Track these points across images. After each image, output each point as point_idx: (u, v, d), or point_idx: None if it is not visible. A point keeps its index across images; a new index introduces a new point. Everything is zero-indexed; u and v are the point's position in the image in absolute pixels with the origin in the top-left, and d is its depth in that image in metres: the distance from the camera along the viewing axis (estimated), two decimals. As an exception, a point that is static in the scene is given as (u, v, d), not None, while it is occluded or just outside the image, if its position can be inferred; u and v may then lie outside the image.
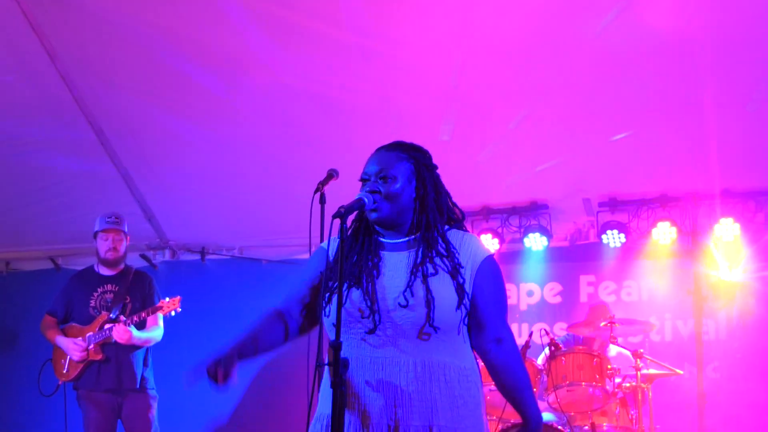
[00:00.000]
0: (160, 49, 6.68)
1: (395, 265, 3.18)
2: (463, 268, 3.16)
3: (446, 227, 3.28)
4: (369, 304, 3.08)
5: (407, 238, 3.23)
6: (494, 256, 3.31)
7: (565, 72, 6.64)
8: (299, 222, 3.32)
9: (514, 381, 3.18)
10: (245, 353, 3.21)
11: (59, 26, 6.51)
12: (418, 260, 3.14)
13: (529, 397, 3.18)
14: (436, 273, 3.12)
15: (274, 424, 8.11)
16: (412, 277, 3.10)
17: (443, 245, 3.19)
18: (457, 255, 3.18)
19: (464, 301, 3.11)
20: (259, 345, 3.27)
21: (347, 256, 3.18)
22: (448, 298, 3.10)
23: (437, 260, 3.15)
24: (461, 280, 3.13)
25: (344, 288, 3.07)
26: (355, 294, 3.10)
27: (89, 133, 7.38)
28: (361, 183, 3.24)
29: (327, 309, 3.18)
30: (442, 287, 3.10)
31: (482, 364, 3.27)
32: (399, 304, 3.08)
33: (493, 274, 3.24)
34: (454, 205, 3.34)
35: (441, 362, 3.11)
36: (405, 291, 3.08)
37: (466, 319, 3.16)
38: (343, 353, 2.96)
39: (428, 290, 3.07)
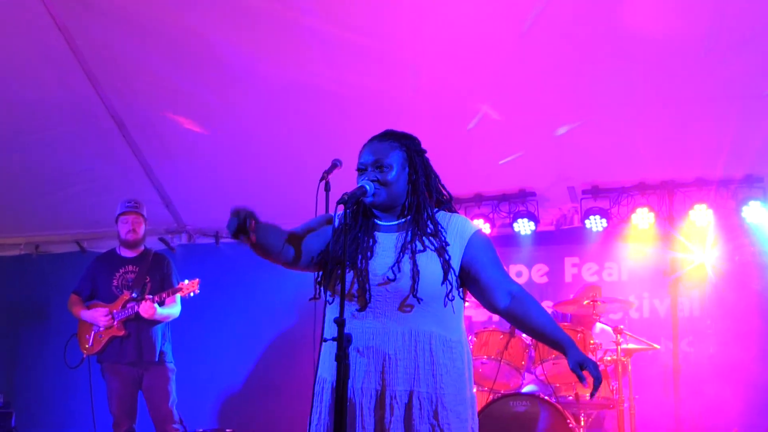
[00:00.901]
0: (177, 53, 6.69)
1: (387, 245, 3.23)
2: (449, 245, 3.20)
3: (435, 209, 3.31)
4: (361, 283, 3.13)
5: (399, 221, 3.28)
6: (484, 234, 3.36)
7: (551, 71, 6.65)
8: (306, 207, 3.31)
9: (538, 323, 3.23)
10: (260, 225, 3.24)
11: (85, 28, 6.53)
12: (408, 239, 3.19)
13: (557, 330, 3.23)
14: (424, 250, 3.17)
15: (282, 393, 8.11)
16: (401, 254, 3.16)
17: (431, 226, 3.23)
18: (444, 234, 3.22)
19: (449, 277, 3.15)
20: (269, 233, 3.29)
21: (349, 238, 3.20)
22: (433, 273, 3.14)
23: (425, 239, 3.19)
24: (447, 257, 3.18)
25: (337, 267, 3.14)
26: (349, 275, 3.13)
27: (112, 127, 7.41)
28: (357, 171, 3.28)
29: (329, 290, 3.23)
30: (429, 263, 3.15)
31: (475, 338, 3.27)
32: (387, 277, 3.13)
33: (484, 244, 3.30)
34: (443, 186, 3.40)
35: (427, 332, 3.15)
36: (393, 266, 3.14)
37: (453, 293, 3.17)
38: (332, 329, 3.01)
39: (415, 264, 3.12)
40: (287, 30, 6.44)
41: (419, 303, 3.11)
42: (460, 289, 3.28)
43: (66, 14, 6.41)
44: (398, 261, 3.14)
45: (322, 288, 3.27)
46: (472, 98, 6.98)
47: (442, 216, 3.31)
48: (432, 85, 6.81)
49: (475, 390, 6.86)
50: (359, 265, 3.16)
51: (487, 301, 3.27)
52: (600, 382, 3.13)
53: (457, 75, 6.77)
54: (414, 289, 3.10)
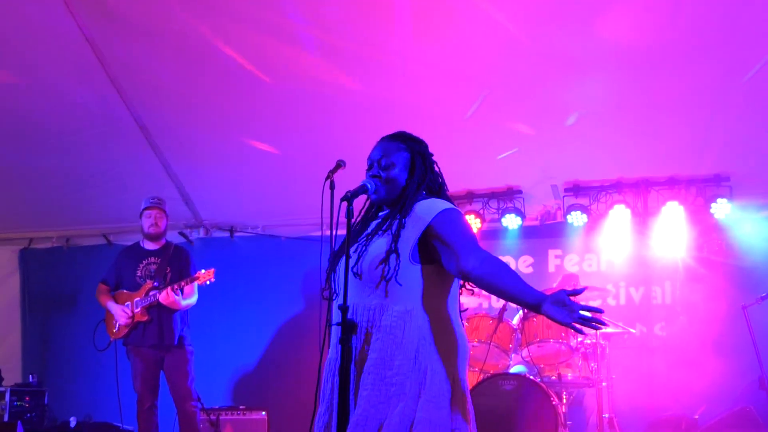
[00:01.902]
0: (195, 64, 6.70)
1: (373, 227, 3.27)
2: (405, 229, 3.16)
3: (423, 196, 3.29)
4: (345, 272, 3.09)
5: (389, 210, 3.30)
6: (454, 210, 3.24)
7: (535, 81, 6.64)
8: (313, 204, 3.31)
9: (503, 283, 3.00)
10: None
11: (111, 41, 6.52)
12: (379, 227, 3.22)
13: (524, 287, 2.96)
14: (382, 235, 3.17)
15: (290, 373, 8.12)
16: (365, 238, 3.21)
17: (400, 213, 3.20)
18: (407, 219, 3.18)
19: (390, 259, 3.09)
20: None
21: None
22: (375, 254, 3.13)
23: (389, 222, 3.19)
24: (396, 244, 3.12)
25: (340, 262, 3.19)
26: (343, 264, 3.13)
27: (136, 131, 7.41)
28: (367, 166, 3.32)
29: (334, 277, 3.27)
30: (377, 245, 3.15)
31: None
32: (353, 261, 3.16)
33: (450, 218, 3.18)
34: (444, 184, 3.38)
35: (399, 310, 3.11)
36: (353, 249, 3.19)
37: (391, 274, 3.09)
38: (335, 314, 3.08)
39: (366, 246, 3.16)
40: (291, 44, 6.43)
41: (360, 279, 3.12)
42: (418, 267, 3.17)
43: (94, 29, 6.39)
44: (359, 244, 3.20)
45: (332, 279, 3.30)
46: (465, 107, 6.98)
47: (424, 202, 3.25)
48: (428, 95, 6.81)
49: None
50: (348, 254, 3.15)
51: (457, 268, 3.10)
52: (576, 316, 2.87)
53: (451, 87, 6.77)
54: (356, 267, 3.13)
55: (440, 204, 3.22)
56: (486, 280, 3.03)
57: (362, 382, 3.06)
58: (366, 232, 3.28)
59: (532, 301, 2.92)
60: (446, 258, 3.16)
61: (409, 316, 3.11)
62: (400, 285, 3.11)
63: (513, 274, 3.03)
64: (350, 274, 3.08)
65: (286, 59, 6.58)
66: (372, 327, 3.12)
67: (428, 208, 3.21)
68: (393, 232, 3.14)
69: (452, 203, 3.30)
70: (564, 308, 2.86)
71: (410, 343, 3.08)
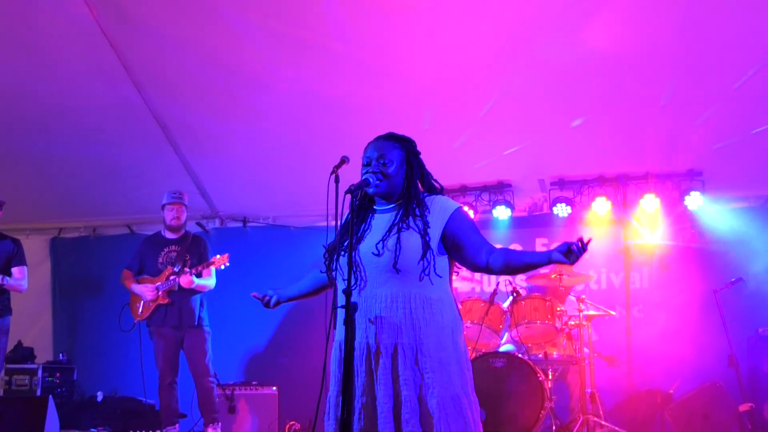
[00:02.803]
0: (212, 65, 6.70)
1: (379, 225, 3.27)
2: (430, 228, 3.21)
3: (426, 194, 3.34)
4: (349, 259, 3.12)
5: (394, 204, 3.31)
6: (462, 209, 3.35)
7: (523, 86, 6.64)
8: (319, 197, 3.32)
9: (517, 260, 3.17)
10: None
11: (131, 43, 6.52)
12: (397, 220, 3.22)
13: (533, 255, 3.17)
14: (408, 229, 3.19)
15: (297, 352, 8.13)
16: (387, 233, 3.19)
17: (419, 210, 3.25)
18: (428, 216, 3.23)
19: (427, 255, 3.16)
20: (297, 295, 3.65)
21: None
22: (412, 249, 3.16)
23: (410, 220, 3.21)
24: (428, 239, 3.18)
25: (343, 250, 3.21)
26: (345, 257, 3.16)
27: (156, 129, 7.41)
28: (362, 165, 3.34)
29: (337, 265, 3.28)
30: (410, 240, 3.17)
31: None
32: (373, 253, 3.17)
33: (464, 217, 3.31)
34: (435, 180, 3.42)
35: (407, 293, 3.16)
36: (378, 243, 3.18)
37: (429, 269, 3.17)
38: (340, 298, 3.09)
39: (398, 241, 3.16)
40: (307, 49, 6.43)
41: (398, 273, 3.15)
42: (444, 258, 3.28)
43: (116, 32, 6.41)
44: (384, 239, 3.19)
45: (335, 267, 3.31)
46: (460, 110, 6.98)
47: (429, 199, 3.32)
48: (426, 98, 6.79)
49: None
50: (355, 245, 3.20)
51: (471, 263, 3.26)
52: (579, 250, 2.97)
53: (446, 90, 6.76)
54: (395, 262, 3.14)
55: (451, 203, 3.33)
56: (505, 268, 3.18)
57: (422, 364, 3.12)
58: (368, 224, 3.29)
59: (544, 259, 3.08)
60: (456, 252, 3.28)
61: (441, 303, 3.23)
62: (440, 276, 3.22)
63: (519, 252, 3.23)
64: (388, 267, 3.16)
65: (299, 65, 6.60)
66: (399, 314, 3.16)
67: (443, 206, 3.30)
68: (421, 229, 3.21)
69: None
70: (565, 250, 2.98)
71: (447, 326, 3.22)
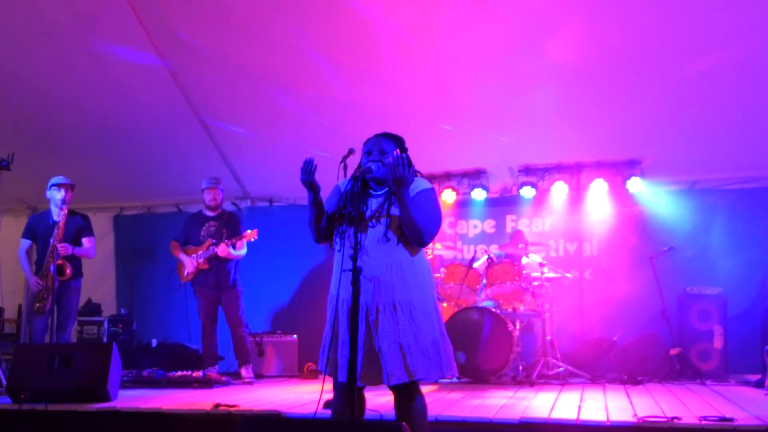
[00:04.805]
0: (243, 82, 6.75)
1: (375, 205, 3.27)
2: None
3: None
4: (355, 232, 3.11)
5: (383, 190, 3.31)
6: (432, 190, 3.33)
7: (497, 88, 6.62)
8: (329, 181, 3.34)
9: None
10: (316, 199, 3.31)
11: (182, 64, 6.62)
12: (387, 200, 3.23)
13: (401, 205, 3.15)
14: (394, 205, 3.20)
15: (313, 306, 8.11)
16: (380, 209, 3.21)
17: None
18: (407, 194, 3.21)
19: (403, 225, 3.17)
20: (317, 209, 3.33)
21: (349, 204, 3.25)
22: (397, 222, 3.17)
23: (395, 199, 3.20)
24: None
25: (345, 223, 3.19)
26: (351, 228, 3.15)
27: (200, 130, 7.49)
28: (364, 155, 3.34)
29: (342, 236, 3.25)
30: (396, 215, 3.18)
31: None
32: (370, 226, 3.19)
33: (422, 197, 3.26)
34: (417, 171, 3.38)
35: (398, 260, 3.17)
36: (373, 218, 3.20)
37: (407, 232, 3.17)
38: (345, 263, 3.09)
39: (388, 216, 3.18)
40: (317, 63, 6.45)
41: (388, 241, 3.16)
42: None
43: (169, 52, 6.52)
44: (377, 215, 3.20)
45: (337, 237, 3.29)
46: (442, 110, 6.97)
47: (415, 182, 3.29)
48: (414, 102, 6.80)
49: (445, 305, 6.96)
50: (357, 219, 3.18)
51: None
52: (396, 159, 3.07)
53: (434, 96, 6.77)
54: (386, 233, 3.16)
55: (421, 183, 3.31)
56: (411, 236, 3.18)
57: (414, 316, 3.14)
58: (366, 203, 3.28)
59: (399, 196, 3.13)
60: None
61: (422, 264, 3.26)
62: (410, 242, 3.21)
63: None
64: (379, 237, 3.16)
65: (304, 82, 6.67)
66: (394, 277, 3.16)
67: (415, 186, 3.28)
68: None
69: (430, 183, 3.38)
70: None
71: (428, 283, 3.27)
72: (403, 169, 3.06)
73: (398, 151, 3.13)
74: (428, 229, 3.18)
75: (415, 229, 3.14)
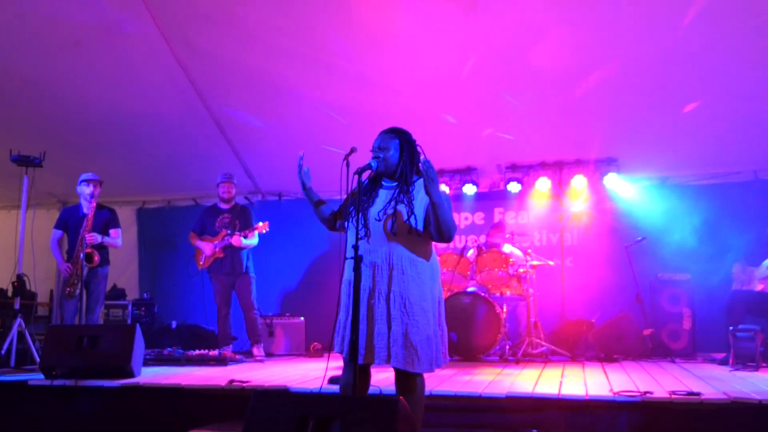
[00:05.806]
0: (254, 84, 6.70)
1: (384, 197, 3.22)
2: (415, 204, 3.15)
3: (416, 177, 3.27)
4: (363, 222, 3.12)
5: (394, 183, 3.25)
6: (448, 195, 3.31)
7: (486, 94, 6.60)
8: (332, 179, 3.32)
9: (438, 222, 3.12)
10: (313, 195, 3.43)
11: (196, 63, 6.52)
12: (395, 195, 3.18)
13: (435, 204, 3.07)
14: (402, 202, 3.15)
15: (320, 291, 8.13)
16: (388, 204, 3.16)
17: (409, 189, 3.19)
18: (413, 193, 3.18)
19: (411, 220, 3.11)
20: (314, 205, 3.46)
21: (362, 195, 3.22)
22: (403, 219, 3.12)
23: (403, 196, 3.16)
24: (411, 211, 3.12)
25: (353, 214, 3.14)
26: (360, 220, 3.13)
27: (215, 128, 7.42)
28: (371, 151, 3.30)
29: (347, 225, 3.23)
30: (402, 211, 3.13)
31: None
32: (376, 219, 3.14)
33: (447, 201, 3.20)
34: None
35: (398, 252, 3.12)
36: (380, 211, 3.15)
37: (413, 231, 3.12)
38: (349, 252, 3.07)
39: (395, 210, 3.12)
40: (323, 68, 6.40)
41: (395, 236, 3.11)
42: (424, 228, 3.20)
43: (184, 55, 6.44)
44: (385, 208, 3.16)
45: (345, 226, 3.27)
46: (438, 111, 6.93)
47: (419, 183, 3.25)
48: (414, 106, 6.75)
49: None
50: (364, 211, 3.17)
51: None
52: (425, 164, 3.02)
53: (426, 97, 6.72)
54: (391, 227, 3.12)
55: (441, 188, 3.27)
56: (439, 234, 3.13)
57: (408, 309, 3.07)
58: (376, 195, 3.24)
59: (437, 201, 3.06)
60: (429, 226, 3.19)
61: (425, 261, 3.18)
62: (422, 240, 3.17)
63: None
64: (385, 230, 3.11)
65: (317, 81, 6.57)
66: (394, 268, 3.11)
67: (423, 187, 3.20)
68: (407, 204, 3.14)
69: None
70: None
71: (427, 281, 3.17)
72: (433, 173, 2.99)
73: (423, 155, 3.10)
74: (454, 226, 3.16)
75: (446, 225, 3.09)
